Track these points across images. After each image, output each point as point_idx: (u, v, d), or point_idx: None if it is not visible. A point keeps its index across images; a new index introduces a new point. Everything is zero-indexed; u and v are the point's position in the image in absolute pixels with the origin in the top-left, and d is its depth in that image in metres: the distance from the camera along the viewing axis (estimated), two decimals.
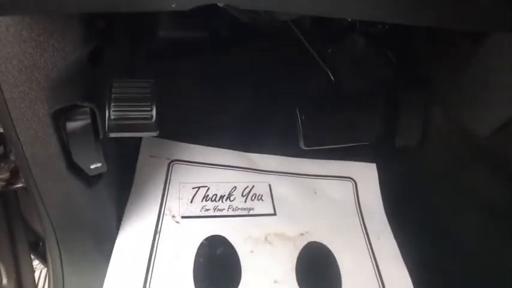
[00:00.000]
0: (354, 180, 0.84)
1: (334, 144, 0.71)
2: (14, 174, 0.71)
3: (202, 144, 0.81)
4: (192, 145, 0.81)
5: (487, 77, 0.78)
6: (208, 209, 0.73)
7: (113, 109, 0.44)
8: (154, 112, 0.45)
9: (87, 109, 0.54)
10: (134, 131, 0.45)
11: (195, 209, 0.73)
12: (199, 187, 0.76)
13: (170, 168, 0.78)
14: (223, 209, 0.74)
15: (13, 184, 0.71)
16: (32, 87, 0.50)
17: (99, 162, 0.58)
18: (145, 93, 0.44)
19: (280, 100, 0.81)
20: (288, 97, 0.76)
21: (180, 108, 0.77)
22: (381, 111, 0.75)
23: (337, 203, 0.81)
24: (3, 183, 0.71)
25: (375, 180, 0.85)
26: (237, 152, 0.82)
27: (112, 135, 0.47)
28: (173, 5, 0.33)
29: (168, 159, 0.79)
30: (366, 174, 0.85)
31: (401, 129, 0.81)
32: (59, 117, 0.54)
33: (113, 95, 0.44)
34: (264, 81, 0.83)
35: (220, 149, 0.82)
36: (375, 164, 0.87)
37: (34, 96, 0.51)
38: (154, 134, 0.45)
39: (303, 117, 0.68)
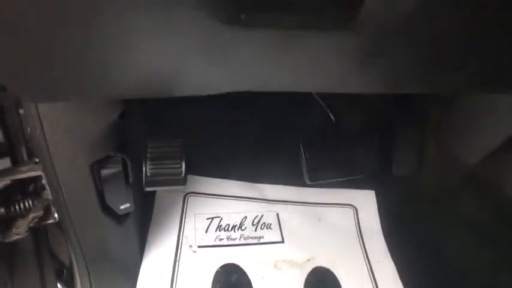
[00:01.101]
0: (355, 207, 0.93)
1: (336, 178, 0.80)
2: (46, 211, 0.80)
3: (214, 177, 0.90)
4: (205, 178, 0.90)
5: (473, 111, 0.88)
6: (222, 239, 0.82)
7: (149, 167, 0.53)
8: (183, 168, 0.54)
9: (119, 158, 0.63)
10: (166, 185, 0.54)
11: (210, 238, 0.82)
12: (213, 218, 0.85)
13: (186, 200, 0.87)
14: (236, 238, 0.83)
15: (45, 220, 0.80)
16: (74, 144, 0.59)
17: (128, 203, 0.67)
18: (175, 151, 0.54)
19: (285, 136, 0.91)
20: (293, 133, 0.86)
21: (194, 144, 0.87)
22: (378, 145, 0.84)
23: (340, 229, 0.90)
24: (36, 220, 0.79)
25: (374, 207, 0.94)
26: (246, 183, 0.91)
27: (147, 189, 0.56)
28: (209, 92, 0.42)
29: (184, 192, 0.88)
30: (366, 201, 0.94)
31: (398, 159, 0.90)
32: (95, 167, 0.64)
33: (148, 154, 0.53)
34: (271, 119, 0.92)
35: (231, 181, 0.91)
36: (373, 191, 0.96)
37: (75, 151, 0.60)
38: (183, 187, 0.54)
39: (307, 154, 0.77)
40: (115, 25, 0.28)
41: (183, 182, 0.54)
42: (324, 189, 0.93)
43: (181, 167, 0.54)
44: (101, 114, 0.57)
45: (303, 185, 0.94)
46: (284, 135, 0.90)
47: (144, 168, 0.54)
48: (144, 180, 0.55)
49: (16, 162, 0.79)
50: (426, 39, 0.36)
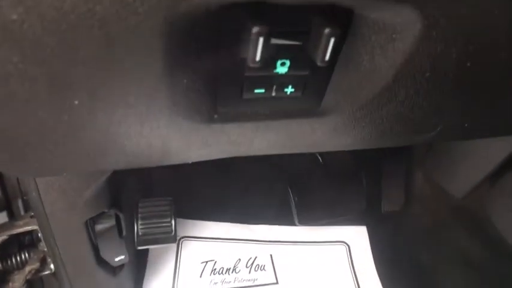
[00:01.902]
0: (347, 244, 0.96)
1: (325, 219, 0.83)
2: (43, 263, 0.82)
3: (207, 220, 0.93)
4: (198, 221, 0.93)
5: (457, 145, 0.92)
6: (217, 283, 0.85)
7: (140, 227, 0.57)
8: (173, 227, 0.57)
9: (112, 213, 0.67)
10: (158, 243, 0.57)
11: (205, 282, 0.85)
12: (207, 261, 0.88)
13: (180, 245, 0.89)
14: (230, 281, 0.85)
15: (41, 272, 0.82)
16: (69, 204, 0.62)
17: (123, 255, 0.70)
18: (165, 210, 0.57)
19: (274, 178, 0.94)
20: (281, 175, 0.89)
21: (185, 188, 0.90)
22: (367, 183, 0.88)
23: (333, 267, 0.92)
24: (33, 272, 0.82)
25: (366, 243, 0.97)
26: (239, 225, 0.94)
27: (139, 248, 0.59)
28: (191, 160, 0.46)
29: (178, 236, 0.91)
30: (358, 238, 0.97)
31: (386, 196, 0.94)
32: (89, 223, 0.67)
33: (139, 215, 0.57)
34: (259, 162, 0.96)
35: (224, 223, 0.94)
36: (365, 227, 0.99)
37: (70, 211, 0.64)
38: (174, 244, 0.58)
39: (296, 198, 0.81)
40: (106, 115, 0.32)
41: (174, 240, 0.57)
42: (315, 228, 0.96)
43: (171, 225, 0.57)
44: (93, 175, 0.61)
45: (295, 223, 0.97)
46: (273, 178, 0.93)
47: (135, 228, 0.57)
48: (136, 239, 0.58)
49: (13, 216, 0.82)
50: (391, 115, 0.40)
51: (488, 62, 0.37)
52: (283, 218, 0.94)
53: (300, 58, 0.32)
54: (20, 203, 0.80)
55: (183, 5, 0.24)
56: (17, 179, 0.82)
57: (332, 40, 0.29)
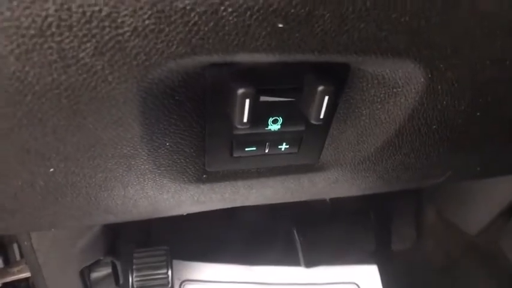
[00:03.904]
0: (358, 285, 0.91)
1: (333, 262, 0.79)
2: None
3: (209, 262, 0.89)
4: (200, 263, 0.89)
5: (471, 183, 0.88)
6: None
7: (135, 279, 0.54)
8: (170, 278, 0.54)
9: (108, 260, 0.64)
10: None
11: None
12: None
13: None
14: None
15: None
16: (63, 254, 0.60)
17: None
18: (161, 261, 0.54)
19: (279, 219, 0.91)
20: (286, 216, 0.85)
21: (186, 230, 0.87)
22: (375, 221, 0.84)
23: None
24: None
25: (377, 283, 0.92)
26: (242, 267, 0.90)
27: None
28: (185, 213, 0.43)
29: (179, 279, 0.87)
30: (369, 278, 0.92)
31: (396, 233, 0.90)
32: (84, 271, 0.64)
33: (134, 266, 0.54)
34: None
35: (227, 265, 0.90)
36: (376, 266, 0.94)
37: (64, 260, 0.61)
38: None
39: (301, 239, 0.77)
40: (85, 180, 0.30)
41: None
42: (324, 268, 0.91)
43: (168, 276, 0.54)
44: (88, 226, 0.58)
45: (300, 264, 0.93)
46: (277, 219, 0.90)
47: (130, 280, 0.54)
48: None
49: (8, 261, 0.80)
50: (396, 166, 0.37)
51: (499, 108, 0.34)
52: (288, 258, 0.90)
53: (294, 114, 0.30)
54: (16, 248, 0.78)
55: (157, 71, 0.22)
56: None
57: (326, 98, 0.27)
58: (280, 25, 0.21)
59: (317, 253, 0.77)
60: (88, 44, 0.20)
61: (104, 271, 0.66)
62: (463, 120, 0.33)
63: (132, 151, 0.27)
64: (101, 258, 0.64)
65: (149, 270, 0.53)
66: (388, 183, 0.44)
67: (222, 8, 0.20)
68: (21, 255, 0.83)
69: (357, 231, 0.82)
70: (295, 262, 0.83)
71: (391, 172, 0.40)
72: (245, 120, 0.26)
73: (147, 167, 0.29)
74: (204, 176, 0.32)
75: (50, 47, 0.20)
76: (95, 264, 0.64)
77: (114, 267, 0.65)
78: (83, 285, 0.63)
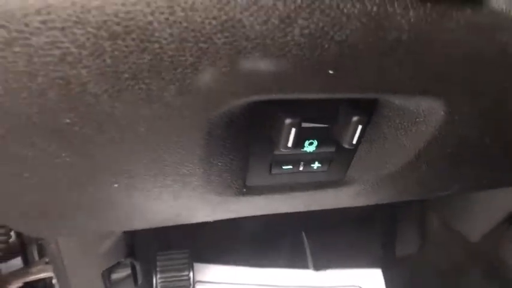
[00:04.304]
0: None
1: (340, 265, 0.83)
2: None
3: (220, 264, 0.94)
4: (211, 265, 0.93)
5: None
6: None
7: (159, 280, 0.58)
8: (191, 279, 0.58)
9: (128, 262, 0.68)
10: None
11: None
12: None
13: None
14: None
15: None
16: (87, 256, 0.64)
17: None
18: (183, 263, 0.58)
19: (288, 223, 0.95)
20: (296, 220, 0.90)
21: (199, 233, 0.91)
22: (380, 229, 0.89)
23: None
24: None
25: (381, 286, 0.97)
26: (252, 269, 0.94)
27: None
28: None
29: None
30: (373, 281, 0.97)
31: (401, 239, 0.94)
32: (105, 272, 0.68)
33: (158, 268, 0.58)
34: None
35: (238, 267, 0.94)
36: (380, 270, 0.98)
37: (88, 262, 0.65)
38: None
39: (310, 243, 0.81)
40: (143, 194, 0.34)
41: None
42: (329, 271, 0.96)
43: (189, 278, 0.58)
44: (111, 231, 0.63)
45: (308, 267, 0.97)
46: (287, 223, 0.94)
47: (154, 281, 0.59)
48: None
49: (27, 261, 0.83)
50: (414, 182, 0.42)
51: (508, 133, 0.39)
52: (296, 261, 0.94)
53: (327, 138, 0.34)
54: (34, 249, 0.81)
55: (224, 107, 0.26)
56: None
57: (359, 127, 0.31)
58: (331, 72, 0.25)
59: (325, 257, 0.82)
60: (172, 87, 0.24)
61: (123, 272, 0.70)
62: (475, 143, 0.37)
63: (190, 171, 0.31)
64: (122, 260, 0.68)
65: (172, 272, 0.58)
66: (402, 196, 0.49)
67: (285, 60, 0.24)
68: (40, 256, 0.87)
69: (363, 236, 0.86)
70: (303, 265, 0.87)
71: (407, 187, 0.45)
72: (290, 145, 0.31)
73: (199, 183, 0.33)
74: (244, 189, 0.37)
75: (140, 88, 0.24)
76: (115, 266, 0.68)
77: (133, 269, 0.69)
78: (104, 286, 0.67)
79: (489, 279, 0.93)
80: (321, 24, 0.23)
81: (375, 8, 0.24)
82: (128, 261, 0.69)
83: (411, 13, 0.24)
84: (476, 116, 0.33)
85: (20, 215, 0.36)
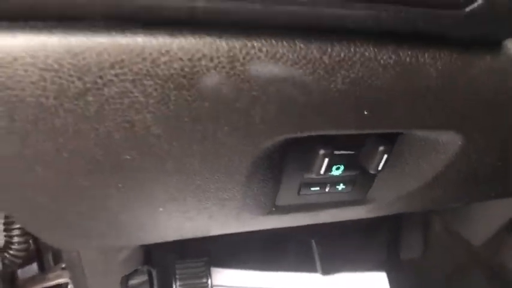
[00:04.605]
0: None
1: (347, 269, 0.87)
2: None
3: (232, 268, 0.97)
4: (226, 270, 0.97)
5: None
6: None
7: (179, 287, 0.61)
8: (209, 286, 0.62)
9: (145, 269, 0.71)
10: None
11: None
12: None
13: None
14: None
15: None
16: (107, 264, 0.67)
17: None
18: (202, 271, 0.62)
19: (298, 231, 0.98)
20: (305, 228, 0.93)
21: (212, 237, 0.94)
22: (385, 234, 0.92)
23: None
24: None
25: None
26: (262, 273, 0.98)
27: None
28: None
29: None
30: (378, 284, 1.01)
31: (405, 244, 0.98)
32: (123, 279, 0.71)
33: (177, 276, 0.61)
34: None
35: (248, 271, 0.98)
36: (385, 273, 1.02)
37: (107, 270, 0.68)
38: None
39: (319, 250, 0.85)
40: (181, 215, 0.37)
41: None
42: (336, 275, 1.00)
43: (208, 285, 0.62)
44: None
45: (313, 270, 1.01)
46: (296, 229, 0.98)
47: None
48: None
49: (43, 267, 0.86)
50: (429, 200, 0.45)
51: None
52: (305, 266, 0.98)
53: (353, 163, 0.38)
54: (50, 255, 0.84)
55: (270, 142, 0.29)
56: None
57: (385, 156, 0.34)
58: (366, 113, 0.28)
59: (333, 262, 0.86)
60: (226, 128, 0.27)
61: (140, 279, 0.73)
62: (488, 165, 0.41)
63: (230, 196, 0.34)
64: (139, 267, 0.71)
65: (191, 280, 0.61)
66: (415, 208, 0.52)
67: (328, 104, 0.27)
68: (55, 262, 0.90)
69: (369, 241, 0.90)
70: (311, 270, 0.91)
71: (421, 202, 0.48)
72: (322, 172, 0.34)
73: (236, 206, 0.36)
74: (273, 208, 0.40)
75: (198, 130, 0.27)
76: (133, 272, 0.71)
77: (150, 275, 0.72)
78: None
79: (491, 282, 0.98)
80: (360, 74, 0.27)
81: (407, 59, 0.27)
82: (145, 268, 0.72)
83: (439, 62, 0.28)
84: (490, 145, 0.37)
85: (66, 234, 0.39)
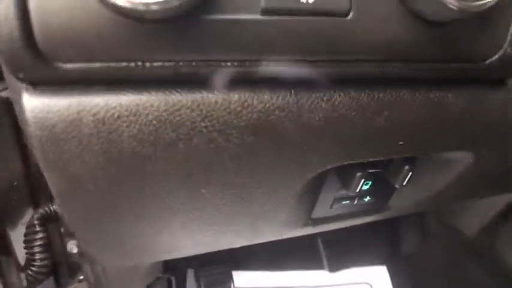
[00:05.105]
0: (371, 285, 1.08)
1: (353, 266, 0.95)
2: None
3: (243, 269, 1.04)
4: (247, 272, 1.03)
5: None
6: None
7: None
8: None
9: (165, 277, 0.76)
10: None
11: None
12: None
13: None
14: None
15: None
16: (129, 274, 0.72)
17: None
18: (225, 277, 0.67)
19: None
20: None
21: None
22: (386, 229, 1.00)
23: None
24: None
25: (387, 282, 1.09)
26: (279, 273, 1.05)
27: None
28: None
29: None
30: (380, 278, 1.09)
31: (404, 238, 1.06)
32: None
33: (202, 283, 0.67)
34: None
35: (266, 272, 1.04)
36: (385, 267, 1.11)
37: (130, 280, 0.73)
38: None
39: (326, 248, 0.92)
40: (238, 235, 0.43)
41: None
42: (341, 271, 1.08)
43: None
44: None
45: (318, 267, 1.08)
46: None
47: None
48: None
49: (59, 281, 0.90)
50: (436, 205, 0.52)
51: None
52: (312, 264, 1.05)
53: (379, 179, 0.44)
54: (66, 269, 0.88)
55: (320, 170, 0.35)
56: (61, 240, 0.90)
57: (410, 173, 0.41)
58: (401, 143, 0.35)
59: (339, 259, 0.93)
60: (287, 162, 0.33)
61: (159, 286, 0.78)
62: (494, 173, 0.48)
63: (274, 214, 0.40)
64: (160, 275, 0.77)
65: (216, 286, 0.66)
66: (423, 210, 0.59)
67: (371, 139, 0.34)
68: (70, 275, 0.93)
69: (371, 238, 0.98)
70: (318, 267, 0.98)
71: (430, 206, 0.55)
72: (357, 190, 0.40)
73: (278, 220, 0.42)
74: (310, 221, 0.46)
75: (263, 163, 0.33)
76: (153, 281, 0.76)
77: (169, 283, 0.78)
78: None
79: (484, 269, 1.07)
80: (398, 113, 0.33)
81: (436, 99, 0.33)
82: (165, 276, 0.78)
83: (460, 100, 0.34)
84: (496, 157, 0.44)
85: (118, 253, 0.44)
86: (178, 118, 0.29)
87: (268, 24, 0.26)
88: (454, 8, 0.25)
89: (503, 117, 0.38)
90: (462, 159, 0.43)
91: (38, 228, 0.69)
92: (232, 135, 0.30)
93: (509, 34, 0.30)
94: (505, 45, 0.31)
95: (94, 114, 0.28)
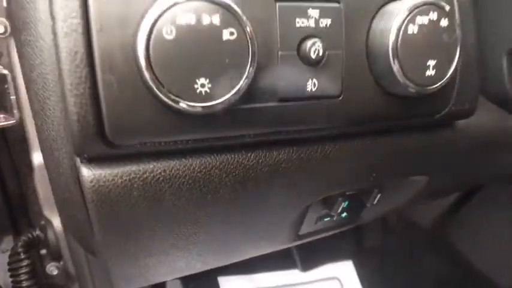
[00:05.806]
0: (339, 279, 1.21)
1: (324, 264, 1.07)
2: None
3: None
4: (232, 277, 1.12)
5: None
6: None
7: None
8: None
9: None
10: None
11: None
12: None
13: None
14: None
15: None
16: None
17: None
18: (211, 284, 0.76)
19: None
20: None
21: None
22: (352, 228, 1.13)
23: None
24: None
25: (354, 275, 1.23)
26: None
27: None
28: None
29: None
30: (347, 272, 1.22)
31: (368, 233, 1.20)
32: None
33: None
34: None
35: (251, 275, 1.14)
36: (351, 261, 1.24)
37: None
38: None
39: (297, 250, 1.03)
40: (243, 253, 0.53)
41: None
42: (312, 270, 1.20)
43: None
44: None
45: (290, 267, 1.20)
46: None
47: None
48: None
49: None
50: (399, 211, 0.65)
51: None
52: (284, 264, 1.17)
53: (355, 199, 0.55)
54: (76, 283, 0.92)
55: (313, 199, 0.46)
56: (42, 265, 0.95)
57: (379, 195, 0.53)
58: (374, 175, 0.46)
59: (311, 259, 1.05)
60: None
61: None
62: (445, 188, 0.61)
63: (268, 235, 0.50)
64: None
65: None
66: (386, 215, 0.72)
67: (354, 175, 0.44)
68: None
69: (338, 235, 1.10)
70: (290, 266, 1.10)
71: (392, 212, 0.68)
72: (339, 211, 0.51)
73: (269, 239, 0.52)
74: (296, 237, 0.57)
75: (264, 199, 0.43)
76: None
77: None
78: None
79: (441, 260, 1.23)
80: (373, 154, 0.44)
81: (401, 141, 0.45)
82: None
83: (418, 139, 0.46)
84: (447, 178, 0.57)
85: (136, 276, 0.52)
86: (208, 176, 0.38)
87: (284, 108, 0.36)
88: (413, 91, 0.36)
89: (451, 149, 0.50)
90: (419, 180, 0.55)
91: (22, 256, 0.72)
92: (249, 184, 0.40)
93: (453, 97, 0.43)
94: (449, 105, 0.43)
95: (143, 180, 0.36)
